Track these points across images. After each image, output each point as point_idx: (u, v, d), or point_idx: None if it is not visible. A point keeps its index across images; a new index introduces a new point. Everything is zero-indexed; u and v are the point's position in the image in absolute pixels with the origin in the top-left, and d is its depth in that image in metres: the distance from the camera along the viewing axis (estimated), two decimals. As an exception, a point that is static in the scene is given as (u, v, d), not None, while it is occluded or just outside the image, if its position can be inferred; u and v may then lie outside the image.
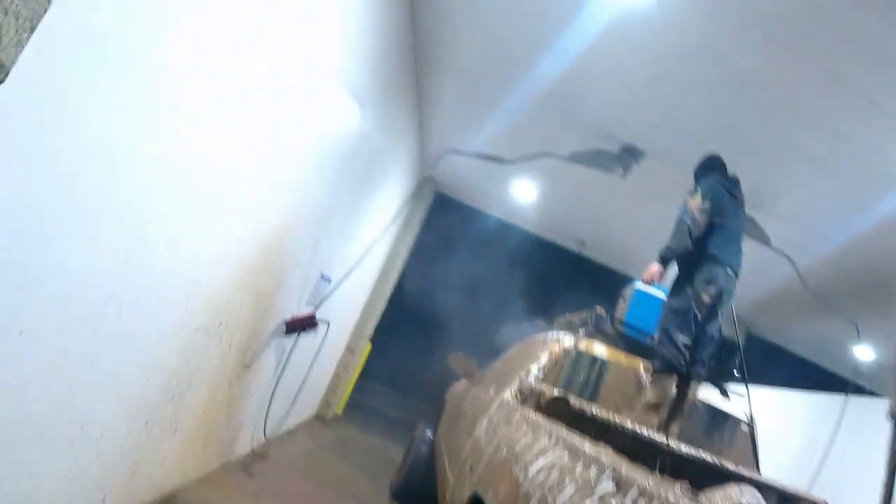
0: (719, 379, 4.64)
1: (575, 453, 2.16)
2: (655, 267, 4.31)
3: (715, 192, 4.35)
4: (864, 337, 7.58)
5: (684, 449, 3.21)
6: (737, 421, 4.49)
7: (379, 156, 6.17)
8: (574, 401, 3.17)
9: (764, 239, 6.54)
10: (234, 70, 2.82)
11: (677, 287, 4.30)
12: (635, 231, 8.99)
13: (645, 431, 3.21)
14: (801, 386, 10.20)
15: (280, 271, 4.43)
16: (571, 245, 10.84)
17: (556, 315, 6.04)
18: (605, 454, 2.03)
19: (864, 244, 6.36)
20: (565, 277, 13.93)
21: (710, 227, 4.25)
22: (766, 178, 5.47)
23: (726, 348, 4.70)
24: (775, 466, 5.01)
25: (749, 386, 4.59)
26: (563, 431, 2.51)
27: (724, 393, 4.71)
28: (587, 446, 2.16)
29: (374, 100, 5.26)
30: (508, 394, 3.93)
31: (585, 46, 5.10)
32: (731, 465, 3.27)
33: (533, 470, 2.28)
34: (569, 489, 1.93)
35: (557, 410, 3.11)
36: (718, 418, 4.50)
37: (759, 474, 4.00)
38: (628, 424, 3.19)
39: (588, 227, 9.86)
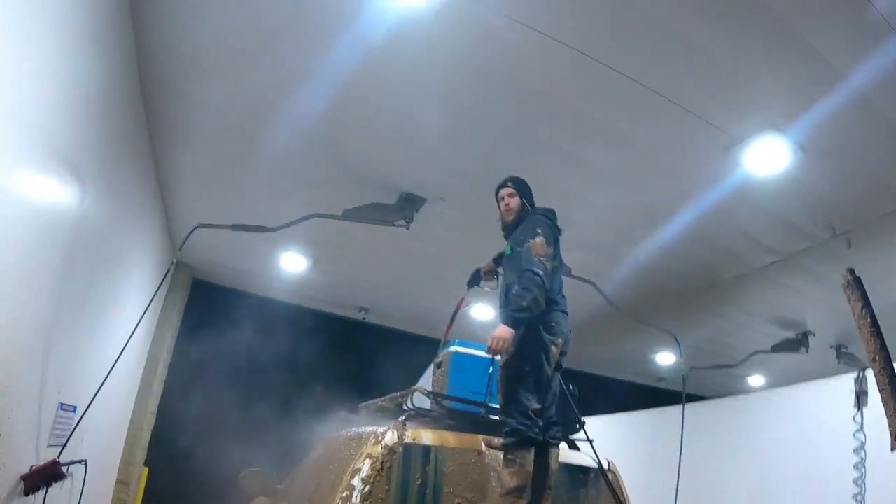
0: (566, 432, 4.05)
1: None
2: (506, 332, 3.40)
3: (554, 234, 3.81)
4: (678, 346, 7.64)
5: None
6: (598, 473, 3.91)
7: (113, 243, 4.86)
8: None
9: (565, 270, 6.27)
10: None
11: (522, 345, 3.52)
12: (419, 288, 8.48)
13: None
14: (628, 407, 10.23)
15: (-6, 415, 3.06)
16: (354, 314, 10.13)
17: (362, 399, 5.17)
18: None
19: (659, 258, 6.36)
20: (355, 349, 13.07)
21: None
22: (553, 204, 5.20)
23: (565, 395, 4.07)
24: (640, 488, 4.55)
25: (587, 424, 4.10)
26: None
27: (573, 445, 4.19)
28: None
29: (97, 172, 4.07)
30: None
31: (342, 91, 4.53)
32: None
33: None
34: None
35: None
36: (580, 477, 3.90)
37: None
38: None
39: (367, 293, 9.25)
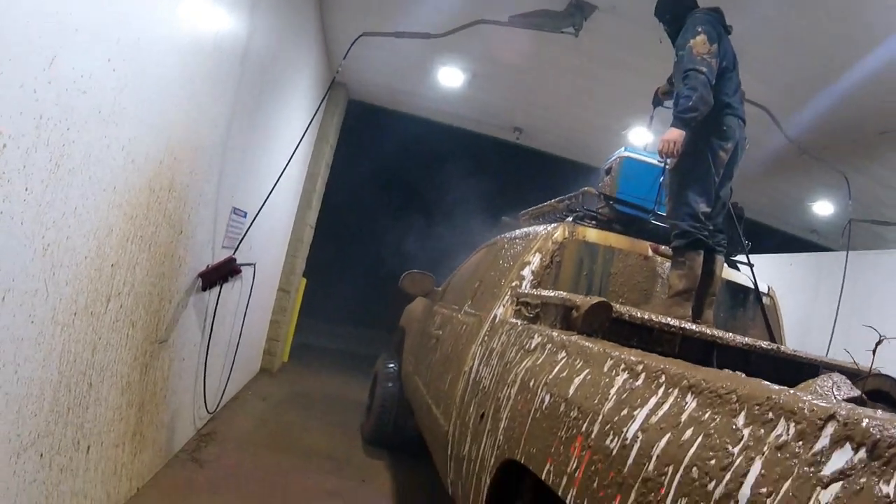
0: (728, 252, 3.95)
1: (701, 394, 1.31)
2: (676, 133, 3.31)
3: (718, 31, 3.52)
4: (847, 188, 7.04)
5: (742, 341, 2.60)
6: (758, 295, 3.85)
7: (278, 59, 4.99)
8: (619, 308, 2.41)
9: (738, 82, 5.79)
10: None
11: (689, 147, 3.42)
12: (579, 108, 8.08)
13: (706, 330, 2.58)
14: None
15: (178, 213, 3.33)
16: (507, 135, 9.82)
17: (517, 209, 5.25)
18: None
19: (839, 95, 5.72)
20: (505, 171, 13.08)
21: (719, 73, 3.45)
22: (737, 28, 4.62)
23: (730, 214, 3.93)
24: (790, 331, 4.46)
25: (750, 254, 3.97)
26: (632, 356, 1.68)
27: (734, 264, 4.09)
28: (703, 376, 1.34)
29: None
30: (501, 311, 3.12)
31: None
32: (801, 353, 2.70)
33: (633, 430, 1.44)
34: (743, 466, 1.08)
35: (593, 324, 2.30)
36: (740, 295, 3.86)
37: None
38: (689, 326, 2.54)
39: (524, 112, 8.86)
